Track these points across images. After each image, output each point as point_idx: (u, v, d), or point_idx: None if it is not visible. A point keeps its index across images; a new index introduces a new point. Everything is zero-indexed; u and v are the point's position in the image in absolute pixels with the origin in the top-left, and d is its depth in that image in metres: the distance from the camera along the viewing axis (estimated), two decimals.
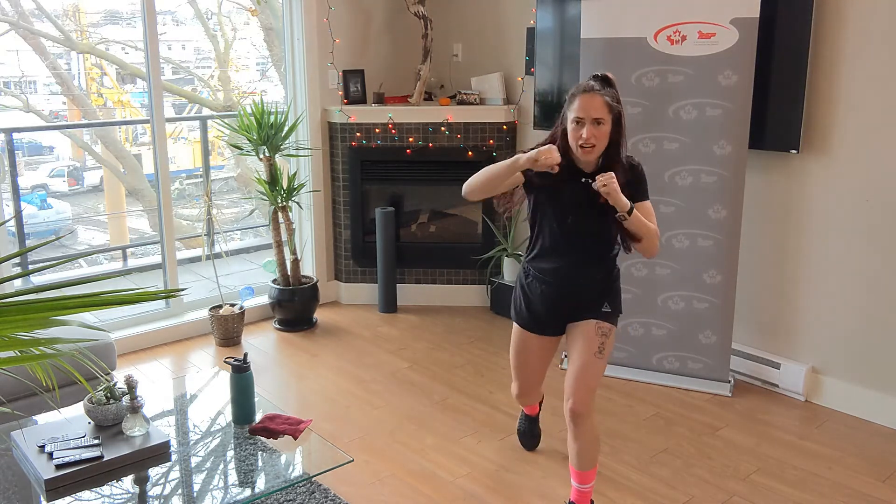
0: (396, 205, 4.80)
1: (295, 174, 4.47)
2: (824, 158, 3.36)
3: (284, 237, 4.44)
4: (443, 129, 4.59)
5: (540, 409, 3.09)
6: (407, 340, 4.30)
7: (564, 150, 2.39)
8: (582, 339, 2.49)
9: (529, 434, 3.10)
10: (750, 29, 3.29)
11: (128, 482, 2.17)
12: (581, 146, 2.34)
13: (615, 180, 2.29)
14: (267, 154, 4.32)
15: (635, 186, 2.43)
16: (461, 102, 4.70)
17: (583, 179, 2.39)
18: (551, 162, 2.29)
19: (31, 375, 2.71)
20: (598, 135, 2.32)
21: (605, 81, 2.39)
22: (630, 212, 2.33)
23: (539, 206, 2.51)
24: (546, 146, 2.34)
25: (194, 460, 2.30)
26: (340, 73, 4.74)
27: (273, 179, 4.34)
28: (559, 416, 3.32)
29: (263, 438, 2.41)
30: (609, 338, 2.49)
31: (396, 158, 4.67)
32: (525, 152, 2.37)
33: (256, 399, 2.53)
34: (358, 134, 4.65)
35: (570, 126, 2.37)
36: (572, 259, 2.49)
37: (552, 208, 2.47)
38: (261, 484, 2.21)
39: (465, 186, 2.50)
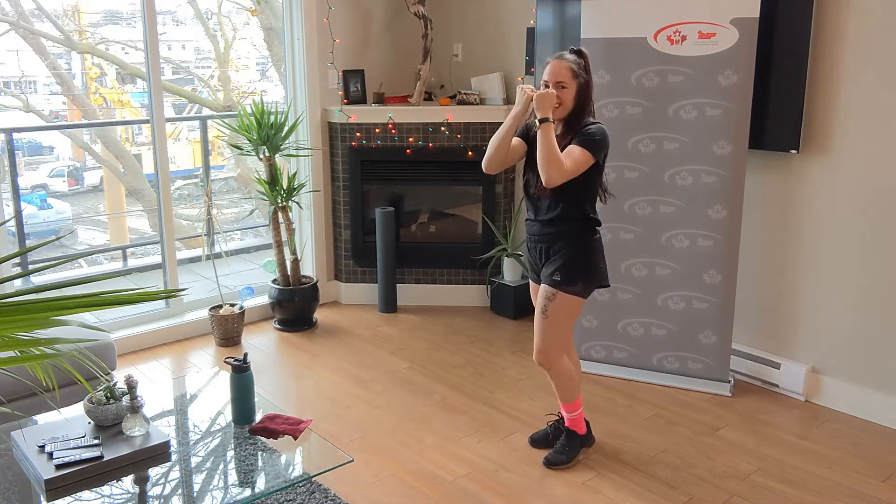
0: (396, 205, 4.80)
1: (295, 174, 4.47)
2: (824, 158, 3.36)
3: (284, 237, 4.44)
4: (443, 129, 4.59)
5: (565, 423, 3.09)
6: (407, 340, 4.30)
7: None
8: (537, 302, 2.85)
9: (544, 438, 3.11)
10: (750, 29, 3.29)
11: (128, 482, 2.17)
12: None
13: (541, 92, 2.62)
14: (267, 154, 4.32)
15: (579, 136, 2.66)
16: (461, 102, 4.70)
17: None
18: (529, 90, 2.64)
19: (31, 375, 2.71)
20: (562, 96, 2.65)
21: (577, 53, 2.72)
22: (543, 122, 2.58)
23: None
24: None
25: (194, 460, 2.30)
26: (340, 73, 4.74)
27: (273, 179, 4.34)
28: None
29: (263, 438, 2.41)
30: (553, 301, 2.77)
31: (396, 158, 4.67)
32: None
33: (256, 399, 2.53)
34: (358, 134, 4.65)
35: (542, 89, 2.68)
36: (535, 215, 2.84)
37: (524, 171, 2.85)
38: (261, 484, 2.21)
39: (484, 162, 2.81)
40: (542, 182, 2.64)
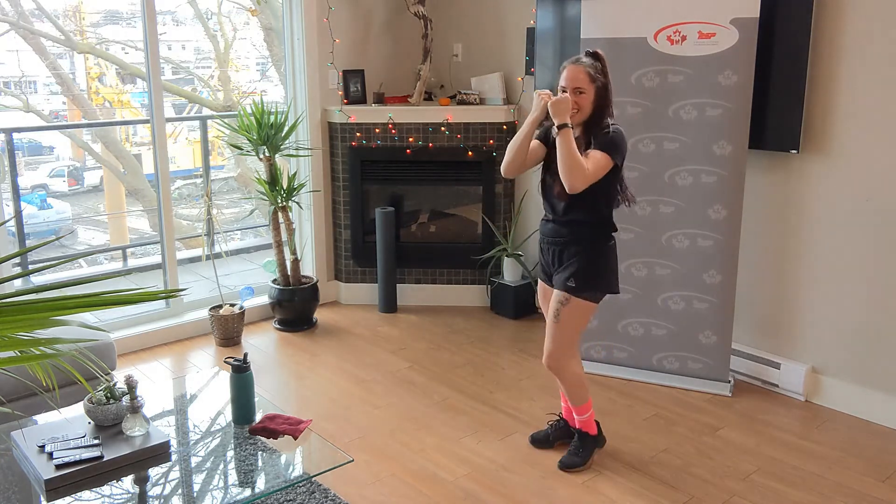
0: (396, 205, 4.80)
1: (295, 174, 4.47)
2: (824, 158, 3.36)
3: (284, 237, 4.44)
4: (443, 129, 4.59)
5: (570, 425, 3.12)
6: (407, 340, 4.30)
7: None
8: (550, 306, 2.85)
9: (545, 438, 3.11)
10: (750, 29, 3.29)
11: (128, 482, 2.17)
12: None
13: (556, 98, 2.60)
14: (267, 154, 4.32)
15: (598, 139, 2.67)
16: (461, 102, 4.70)
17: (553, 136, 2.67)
18: (545, 96, 2.63)
19: (31, 375, 2.71)
20: (579, 101, 2.65)
21: (593, 56, 2.71)
22: (562, 128, 2.56)
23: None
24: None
25: (194, 460, 2.30)
26: (340, 73, 4.74)
27: (273, 179, 4.34)
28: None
29: (263, 438, 2.41)
30: (567, 305, 2.77)
31: (396, 158, 4.67)
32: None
33: (256, 399, 2.53)
34: (358, 134, 4.65)
35: (559, 94, 2.65)
36: (552, 217, 2.84)
37: (542, 172, 2.86)
38: (261, 484, 2.21)
39: (502, 167, 2.81)
40: (561, 185, 2.63)
